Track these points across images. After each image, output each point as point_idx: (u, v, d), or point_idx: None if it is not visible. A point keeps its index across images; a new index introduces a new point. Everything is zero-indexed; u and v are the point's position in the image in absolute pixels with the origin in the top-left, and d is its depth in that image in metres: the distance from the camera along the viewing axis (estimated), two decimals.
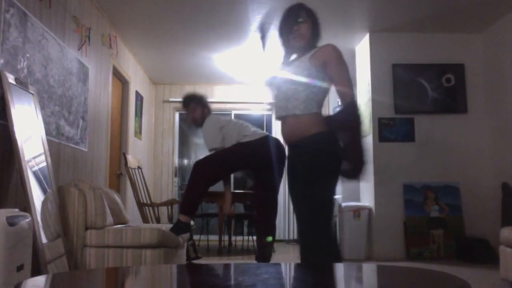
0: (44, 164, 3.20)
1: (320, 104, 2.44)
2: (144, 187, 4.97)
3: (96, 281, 1.72)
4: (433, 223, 5.24)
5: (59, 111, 3.75)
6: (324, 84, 2.39)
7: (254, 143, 3.73)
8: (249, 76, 7.19)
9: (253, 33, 5.52)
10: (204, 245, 7.00)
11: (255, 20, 5.19)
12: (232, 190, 7.73)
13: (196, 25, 5.32)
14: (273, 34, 2.75)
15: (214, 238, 7.38)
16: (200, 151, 9.25)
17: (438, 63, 5.56)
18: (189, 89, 7.94)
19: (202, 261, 5.00)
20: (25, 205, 2.84)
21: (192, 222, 5.08)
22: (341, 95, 2.39)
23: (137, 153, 6.54)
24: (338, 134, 2.37)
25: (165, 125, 7.88)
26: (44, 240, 2.91)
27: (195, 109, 4.09)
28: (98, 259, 3.32)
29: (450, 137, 5.47)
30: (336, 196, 5.75)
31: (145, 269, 2.28)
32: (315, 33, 2.58)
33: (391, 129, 5.45)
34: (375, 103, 5.49)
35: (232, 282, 1.75)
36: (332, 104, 7.75)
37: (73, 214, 3.35)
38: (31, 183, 2.90)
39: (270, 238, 3.46)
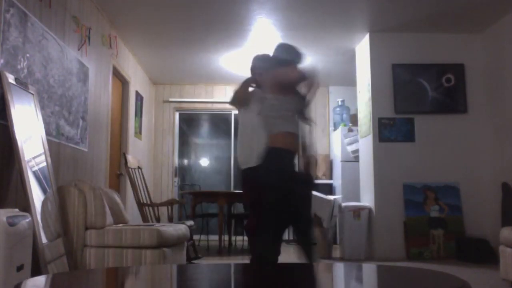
0: (44, 164, 3.20)
1: None
2: (144, 187, 4.97)
3: (96, 281, 1.72)
4: (433, 223, 5.23)
5: (59, 111, 3.75)
6: None
7: None
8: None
9: (253, 33, 5.52)
10: (204, 245, 7.00)
11: (255, 20, 5.19)
12: (232, 190, 7.75)
13: (196, 25, 5.32)
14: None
15: (214, 238, 7.37)
16: (200, 151, 9.25)
17: (438, 63, 5.56)
18: (189, 89, 7.95)
19: (202, 261, 5.00)
20: (25, 205, 2.84)
21: (192, 222, 5.09)
22: None
23: (137, 153, 6.54)
24: None
25: (165, 125, 7.88)
26: (44, 240, 2.91)
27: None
28: (98, 259, 3.32)
29: (450, 137, 5.46)
30: (337, 196, 5.75)
31: (145, 269, 2.28)
32: None
33: (391, 129, 5.45)
34: (375, 103, 5.49)
35: (232, 282, 1.75)
36: (332, 104, 7.76)
37: (73, 214, 3.35)
38: (31, 183, 2.90)
39: None
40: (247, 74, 3.66)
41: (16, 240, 2.41)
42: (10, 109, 2.85)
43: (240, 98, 3.51)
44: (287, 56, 3.12)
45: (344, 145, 6.72)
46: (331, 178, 7.46)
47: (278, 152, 2.85)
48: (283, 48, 3.21)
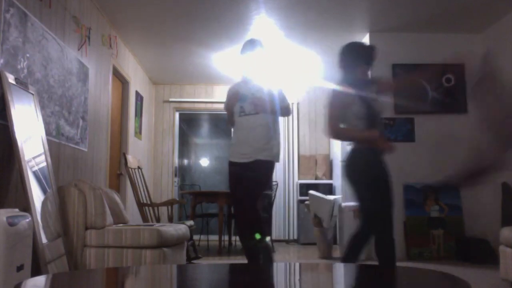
0: (44, 164, 3.20)
1: None
2: (144, 187, 4.97)
3: (96, 281, 1.72)
4: (433, 223, 5.23)
5: (59, 111, 3.75)
6: None
7: None
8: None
9: (253, 32, 5.52)
10: (204, 245, 7.00)
11: (255, 20, 5.19)
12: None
13: (196, 25, 5.32)
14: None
15: (214, 238, 7.37)
16: (200, 151, 9.26)
17: (438, 63, 5.55)
18: (189, 89, 7.95)
19: (202, 261, 5.00)
20: (25, 205, 2.84)
21: (192, 222, 5.09)
22: None
23: (137, 153, 6.54)
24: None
25: (165, 125, 7.88)
26: (44, 240, 2.91)
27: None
28: (98, 259, 3.32)
29: (450, 137, 5.46)
30: (337, 196, 5.75)
31: (145, 269, 2.28)
32: None
33: (391, 129, 5.45)
34: None
35: (232, 282, 1.75)
36: None
37: (73, 214, 3.35)
38: (31, 183, 2.90)
39: (258, 236, 3.44)
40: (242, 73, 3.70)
41: (16, 240, 2.41)
42: (10, 109, 2.85)
43: (229, 122, 3.62)
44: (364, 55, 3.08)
45: (344, 145, 6.72)
46: (331, 178, 7.47)
47: (373, 151, 3.01)
48: (355, 47, 3.14)
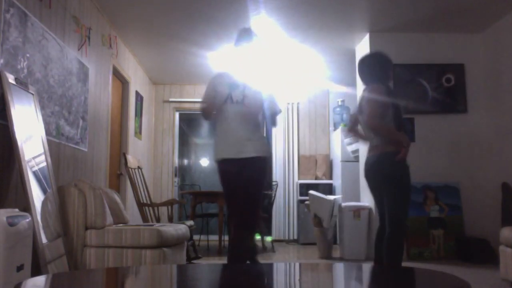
0: (44, 164, 3.20)
1: None
2: (144, 187, 4.97)
3: (96, 281, 1.72)
4: (433, 223, 5.23)
5: (59, 111, 3.75)
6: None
7: None
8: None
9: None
10: (204, 245, 7.00)
11: (256, 20, 5.19)
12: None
13: (196, 25, 5.32)
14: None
15: (214, 238, 7.38)
16: (200, 151, 9.25)
17: (438, 63, 5.56)
18: (189, 89, 7.95)
19: (202, 261, 5.00)
20: (25, 205, 2.85)
21: (192, 222, 5.09)
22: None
23: (137, 153, 6.54)
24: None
25: (165, 125, 7.88)
26: (44, 240, 2.91)
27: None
28: (98, 259, 3.32)
29: (450, 137, 5.47)
30: (337, 196, 5.75)
31: (145, 269, 2.27)
32: None
33: None
34: None
35: (232, 282, 1.75)
36: (332, 104, 7.77)
37: (73, 214, 3.35)
38: (31, 183, 2.90)
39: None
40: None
41: (16, 240, 2.41)
42: (10, 109, 2.85)
43: (207, 111, 3.17)
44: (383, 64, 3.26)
45: (344, 145, 6.73)
46: (331, 178, 7.47)
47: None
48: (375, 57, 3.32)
